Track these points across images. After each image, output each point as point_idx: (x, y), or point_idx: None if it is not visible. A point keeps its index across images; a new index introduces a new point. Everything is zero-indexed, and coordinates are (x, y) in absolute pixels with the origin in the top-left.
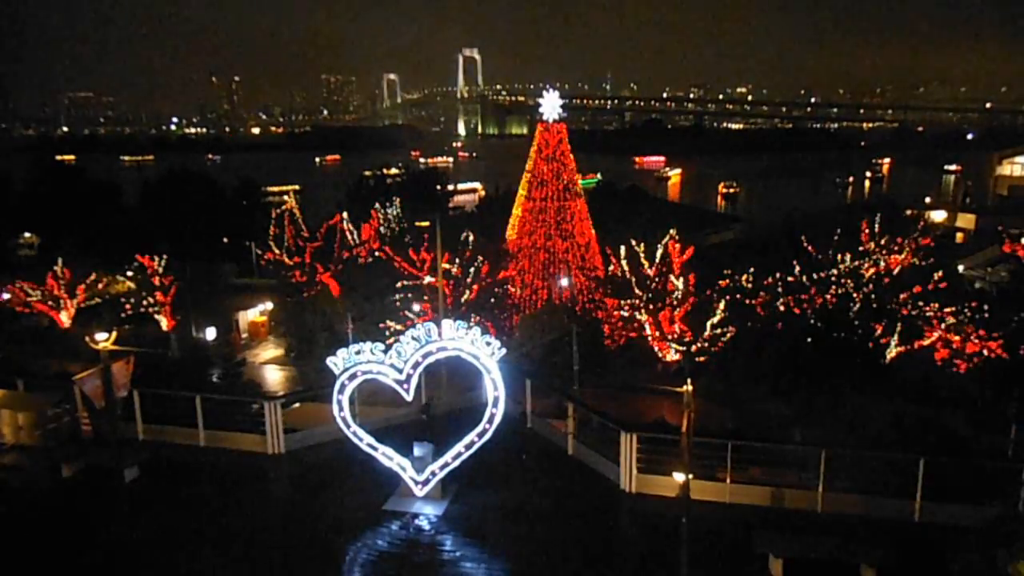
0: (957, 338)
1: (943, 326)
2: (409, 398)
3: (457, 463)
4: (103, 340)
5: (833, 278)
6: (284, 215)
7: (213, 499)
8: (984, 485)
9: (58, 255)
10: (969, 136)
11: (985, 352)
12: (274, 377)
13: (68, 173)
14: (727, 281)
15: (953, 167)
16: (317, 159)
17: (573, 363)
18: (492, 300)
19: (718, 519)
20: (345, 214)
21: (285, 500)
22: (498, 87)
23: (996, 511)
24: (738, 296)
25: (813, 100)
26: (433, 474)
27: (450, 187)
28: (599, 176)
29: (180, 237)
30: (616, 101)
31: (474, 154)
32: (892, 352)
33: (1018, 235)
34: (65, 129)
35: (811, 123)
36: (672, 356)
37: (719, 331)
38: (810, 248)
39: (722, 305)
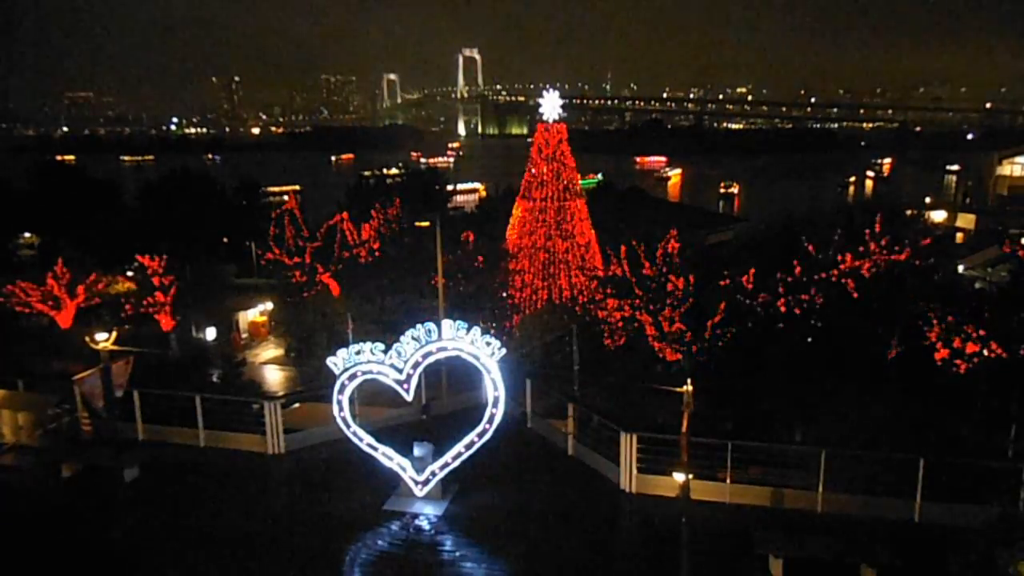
0: (957, 338)
1: (943, 326)
2: (409, 398)
3: (457, 463)
4: (103, 340)
5: (833, 278)
6: (284, 215)
7: (213, 499)
8: (984, 485)
9: (58, 255)
10: (969, 136)
11: (985, 352)
12: (274, 377)
13: (68, 173)
14: (727, 281)
15: (954, 167)
16: (333, 157)
17: (573, 363)
18: (492, 300)
19: (718, 519)
20: (345, 214)
21: (285, 500)
22: (498, 87)
23: (996, 511)
24: (738, 296)
25: (813, 100)
26: (433, 474)
27: (450, 187)
28: (600, 176)
29: (180, 237)
30: (616, 101)
31: (461, 153)
32: (892, 352)
33: (1018, 235)
34: (65, 129)
35: (811, 123)
36: (672, 356)
37: (719, 331)
38: (810, 248)
39: (722, 305)
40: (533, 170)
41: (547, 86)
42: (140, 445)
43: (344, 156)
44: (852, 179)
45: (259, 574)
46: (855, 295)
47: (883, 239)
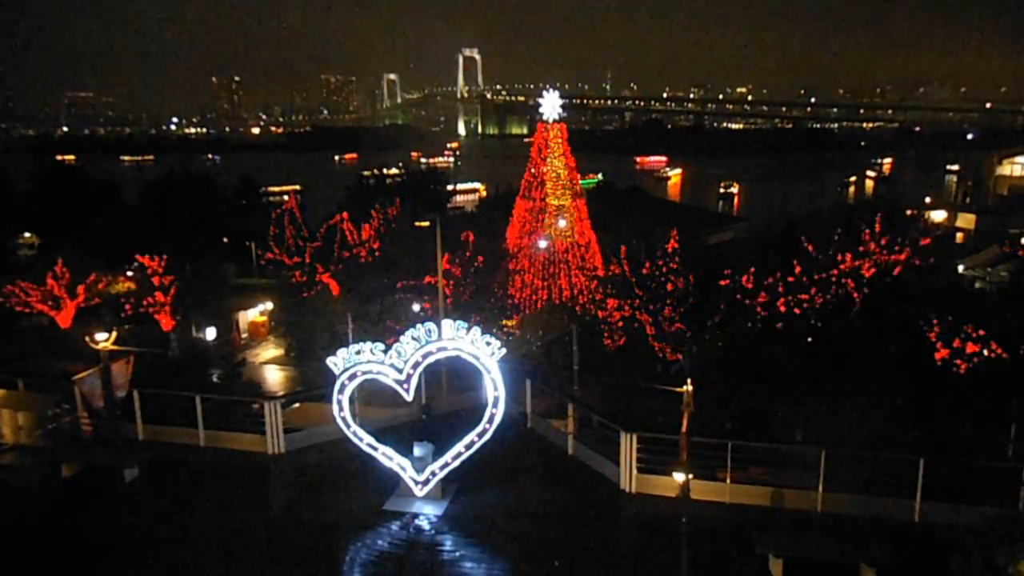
0: (957, 338)
1: (943, 326)
2: (409, 398)
3: (457, 463)
4: (103, 340)
5: (833, 278)
6: (284, 215)
7: (213, 499)
8: (984, 485)
9: (58, 255)
10: (969, 136)
11: (985, 352)
12: (274, 377)
13: (68, 173)
14: (727, 281)
15: (954, 167)
16: (336, 157)
17: (573, 363)
18: (492, 300)
19: (718, 519)
20: (345, 214)
21: (285, 500)
22: (498, 87)
23: (996, 511)
24: (738, 296)
25: (813, 100)
26: (433, 474)
27: (450, 187)
28: (600, 176)
29: (180, 237)
30: (616, 101)
31: (459, 153)
32: (892, 352)
33: (1018, 235)
34: (65, 129)
35: (811, 123)
36: (672, 356)
37: (719, 331)
38: (810, 248)
39: (722, 305)
40: (533, 170)
41: (547, 86)
42: (140, 445)
43: (348, 156)
44: (852, 179)
45: (259, 574)
46: (855, 295)
47: (883, 239)
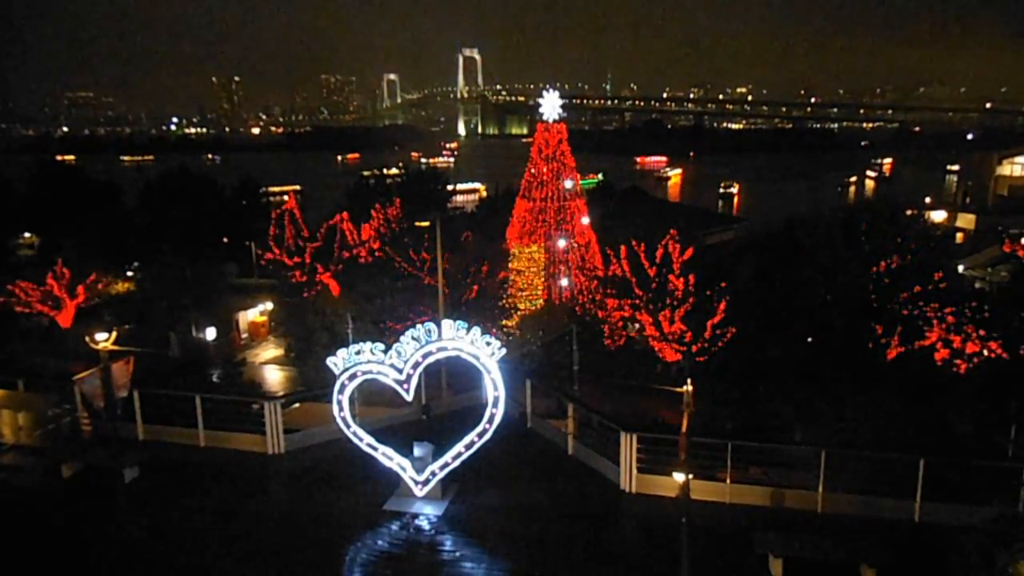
0: (957, 338)
1: (943, 326)
2: (409, 398)
3: (457, 463)
4: (103, 340)
5: (833, 278)
6: (284, 215)
7: (213, 499)
8: (984, 485)
9: (58, 255)
10: (969, 136)
11: (985, 352)
12: (274, 377)
13: (68, 173)
14: (727, 283)
15: (954, 167)
16: (339, 157)
17: (573, 363)
18: (492, 300)
19: (718, 519)
20: (345, 214)
21: (285, 500)
22: (498, 87)
23: (996, 511)
24: (738, 296)
25: (813, 100)
26: (433, 474)
27: (450, 187)
28: (600, 176)
29: (180, 237)
30: (616, 101)
31: (457, 153)
32: (892, 352)
33: (1018, 235)
34: (65, 129)
35: (811, 123)
36: (672, 356)
37: (719, 331)
38: (810, 248)
39: (722, 305)
40: (533, 170)
41: (547, 86)
42: (140, 445)
43: (350, 156)
44: (852, 179)
45: (259, 574)
46: (855, 295)
47: (883, 239)
